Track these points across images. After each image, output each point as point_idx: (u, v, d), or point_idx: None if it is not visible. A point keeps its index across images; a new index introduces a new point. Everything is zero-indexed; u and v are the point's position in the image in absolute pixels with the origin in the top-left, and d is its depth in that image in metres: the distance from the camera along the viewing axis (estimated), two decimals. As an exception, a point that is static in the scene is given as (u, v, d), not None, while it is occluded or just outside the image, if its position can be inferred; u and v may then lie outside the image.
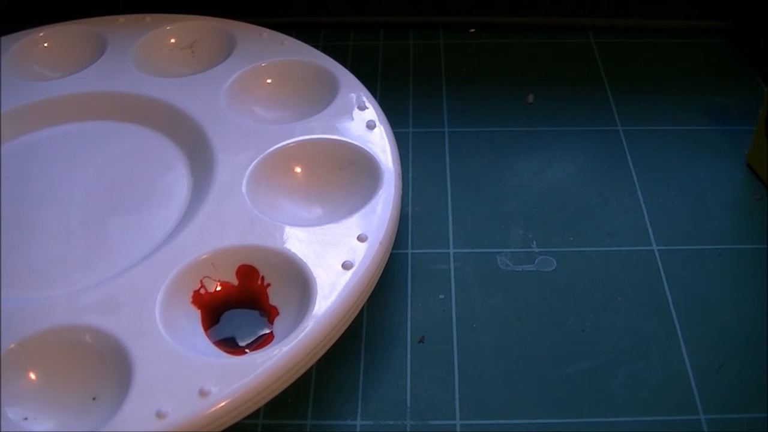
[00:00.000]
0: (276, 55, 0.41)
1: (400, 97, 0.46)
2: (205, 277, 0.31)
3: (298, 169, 0.36)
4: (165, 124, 0.38)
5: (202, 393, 0.26)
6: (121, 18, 0.44)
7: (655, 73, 0.47)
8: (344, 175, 0.36)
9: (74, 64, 0.42)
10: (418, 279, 0.36)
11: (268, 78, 0.41)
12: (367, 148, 0.35)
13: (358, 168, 0.35)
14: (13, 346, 0.28)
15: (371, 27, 0.51)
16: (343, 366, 0.32)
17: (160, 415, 0.26)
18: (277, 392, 0.28)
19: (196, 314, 0.31)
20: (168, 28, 0.44)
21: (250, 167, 0.35)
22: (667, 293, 0.35)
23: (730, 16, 0.49)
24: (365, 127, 0.37)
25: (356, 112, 0.38)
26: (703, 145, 0.42)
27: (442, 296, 0.35)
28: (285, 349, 0.28)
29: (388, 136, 0.36)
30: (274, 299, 0.31)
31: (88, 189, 0.36)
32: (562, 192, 0.40)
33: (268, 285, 0.32)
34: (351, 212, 0.33)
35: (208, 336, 0.30)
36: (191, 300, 0.31)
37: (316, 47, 0.42)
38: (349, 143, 0.36)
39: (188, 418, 0.26)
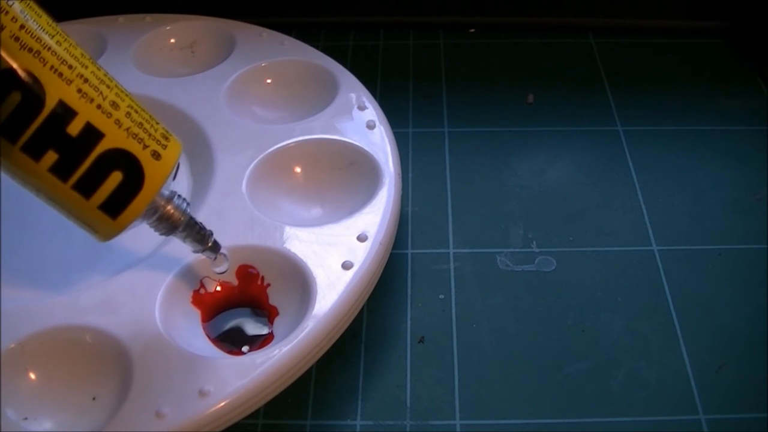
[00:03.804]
0: (276, 55, 0.41)
1: (400, 97, 0.46)
2: (205, 277, 0.31)
3: (297, 169, 0.36)
4: (165, 124, 0.38)
5: (202, 393, 0.26)
6: (121, 18, 0.44)
7: (655, 73, 0.47)
8: (344, 175, 0.36)
9: (74, 64, 0.42)
10: (418, 279, 0.36)
11: (268, 78, 0.41)
12: (367, 148, 0.35)
13: (358, 168, 0.35)
14: (13, 346, 0.28)
15: (371, 27, 0.51)
16: (343, 366, 0.32)
17: (159, 415, 0.26)
18: (277, 392, 0.28)
19: (196, 314, 0.31)
20: (168, 28, 0.44)
21: (250, 167, 0.35)
22: (667, 293, 0.35)
23: (730, 16, 0.49)
24: (365, 127, 0.37)
25: (356, 112, 0.38)
26: (703, 145, 0.42)
27: (442, 296, 0.35)
28: (285, 349, 0.28)
29: (388, 136, 0.36)
30: (274, 299, 0.31)
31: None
32: (562, 192, 0.40)
33: (268, 285, 0.32)
34: (351, 212, 0.33)
35: (208, 336, 0.30)
36: (191, 300, 0.31)
37: (316, 47, 0.42)
38: (349, 143, 0.36)
39: (188, 418, 0.26)
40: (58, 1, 0.24)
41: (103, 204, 0.24)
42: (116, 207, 0.24)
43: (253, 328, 0.31)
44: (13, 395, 0.27)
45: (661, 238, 0.37)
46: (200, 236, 0.28)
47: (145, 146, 0.24)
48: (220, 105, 0.38)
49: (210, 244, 0.28)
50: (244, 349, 0.30)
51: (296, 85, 0.41)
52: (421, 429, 0.30)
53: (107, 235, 0.25)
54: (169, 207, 0.26)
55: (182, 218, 0.27)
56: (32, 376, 0.28)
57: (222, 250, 0.29)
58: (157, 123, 0.25)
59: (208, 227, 0.29)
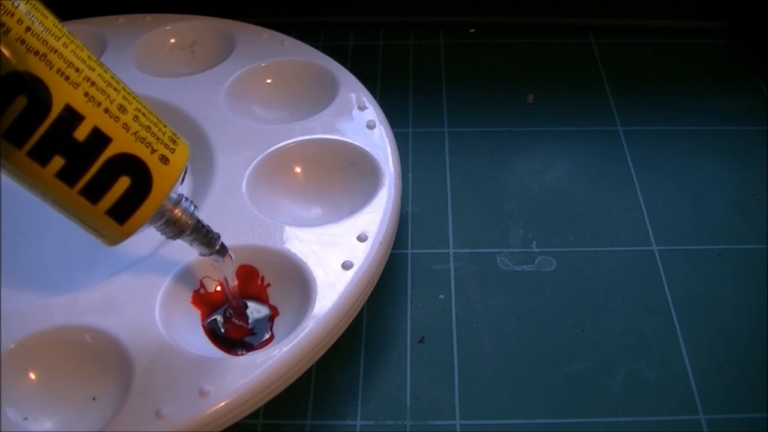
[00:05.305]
0: (276, 55, 0.41)
1: (400, 97, 0.46)
2: (205, 277, 0.31)
3: (298, 169, 0.36)
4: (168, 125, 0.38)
5: (202, 393, 0.26)
6: (121, 18, 0.44)
7: (655, 73, 0.47)
8: (344, 175, 0.36)
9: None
10: (418, 279, 0.36)
11: (268, 78, 0.41)
12: (367, 148, 0.35)
13: (358, 168, 0.35)
14: (13, 346, 0.28)
15: (371, 27, 0.51)
16: (343, 366, 0.32)
17: (159, 415, 0.26)
18: (277, 392, 0.28)
19: (195, 314, 0.31)
20: (168, 28, 0.44)
21: (250, 167, 0.35)
22: (667, 293, 0.35)
23: (730, 16, 0.49)
24: (365, 127, 0.37)
25: (356, 112, 0.38)
26: (703, 145, 0.42)
27: (442, 296, 0.35)
28: (285, 349, 0.28)
29: (388, 136, 0.36)
30: (274, 299, 0.31)
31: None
32: (562, 192, 0.40)
33: (268, 285, 0.32)
34: (351, 212, 0.33)
35: (208, 335, 0.30)
36: (191, 300, 0.31)
37: (316, 47, 0.42)
38: (349, 143, 0.36)
39: (188, 418, 0.26)
40: (58, 1, 0.24)
41: (111, 209, 0.24)
42: (124, 212, 0.24)
43: (253, 309, 0.31)
44: (13, 395, 0.27)
45: (661, 238, 0.37)
46: (207, 239, 0.28)
47: (153, 150, 0.24)
48: (220, 105, 0.38)
49: (217, 247, 0.28)
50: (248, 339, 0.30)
51: (296, 85, 0.41)
52: (421, 429, 0.30)
53: (114, 240, 0.25)
54: (176, 211, 0.26)
55: (190, 222, 0.26)
56: (32, 376, 0.28)
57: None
58: (165, 126, 0.25)
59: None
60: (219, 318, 0.31)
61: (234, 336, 0.30)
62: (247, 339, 0.30)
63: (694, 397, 0.31)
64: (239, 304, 0.31)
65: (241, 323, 0.31)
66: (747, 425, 0.30)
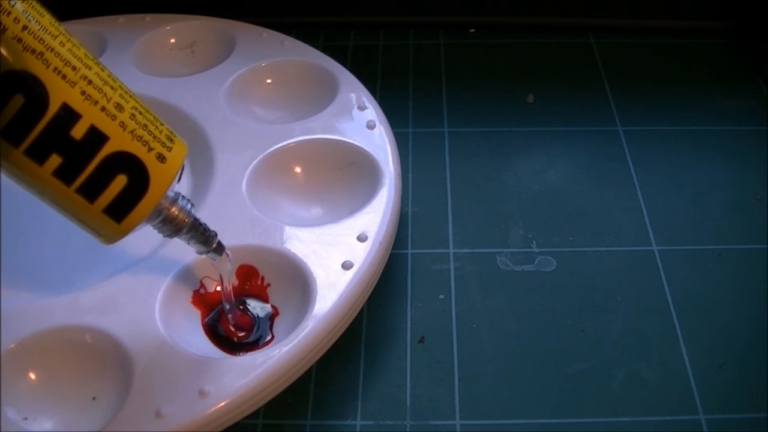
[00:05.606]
0: (276, 55, 0.41)
1: (400, 97, 0.46)
2: (205, 277, 0.31)
3: (298, 169, 0.36)
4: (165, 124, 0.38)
5: (202, 393, 0.26)
6: (121, 18, 0.44)
7: (655, 73, 0.47)
8: (344, 175, 0.36)
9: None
10: (418, 279, 0.36)
11: (268, 78, 0.41)
12: (367, 148, 0.35)
13: (358, 168, 0.35)
14: (13, 346, 0.28)
15: (371, 27, 0.51)
16: (343, 366, 0.32)
17: (159, 415, 0.26)
18: (277, 392, 0.28)
19: (195, 314, 0.31)
20: (168, 28, 0.44)
21: (250, 167, 0.35)
22: (667, 293, 0.35)
23: (730, 16, 0.49)
24: (365, 127, 0.37)
25: (356, 112, 0.38)
26: (703, 145, 0.42)
27: (442, 296, 0.35)
28: (285, 349, 0.28)
29: (388, 136, 0.36)
30: (274, 299, 0.31)
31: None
32: (562, 192, 0.40)
33: (268, 285, 0.32)
34: (351, 212, 0.33)
35: (208, 335, 0.30)
36: (191, 300, 0.31)
37: (316, 47, 0.42)
38: (349, 143, 0.36)
39: (188, 418, 0.26)
40: (58, 1, 0.24)
41: (108, 208, 0.24)
42: (121, 211, 0.24)
43: (257, 308, 0.31)
44: (13, 395, 0.27)
45: (661, 238, 0.37)
46: (204, 237, 0.28)
47: (150, 149, 0.24)
48: (220, 105, 0.38)
49: (214, 246, 0.28)
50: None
51: (296, 85, 0.41)
52: (421, 429, 0.30)
53: (111, 238, 0.25)
54: (173, 209, 0.26)
55: (187, 220, 0.26)
56: (32, 376, 0.28)
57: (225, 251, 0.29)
58: (162, 124, 0.25)
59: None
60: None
61: (234, 337, 0.30)
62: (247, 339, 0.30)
63: (694, 397, 0.31)
64: (238, 307, 0.31)
65: (244, 333, 0.31)
66: (747, 425, 0.30)
